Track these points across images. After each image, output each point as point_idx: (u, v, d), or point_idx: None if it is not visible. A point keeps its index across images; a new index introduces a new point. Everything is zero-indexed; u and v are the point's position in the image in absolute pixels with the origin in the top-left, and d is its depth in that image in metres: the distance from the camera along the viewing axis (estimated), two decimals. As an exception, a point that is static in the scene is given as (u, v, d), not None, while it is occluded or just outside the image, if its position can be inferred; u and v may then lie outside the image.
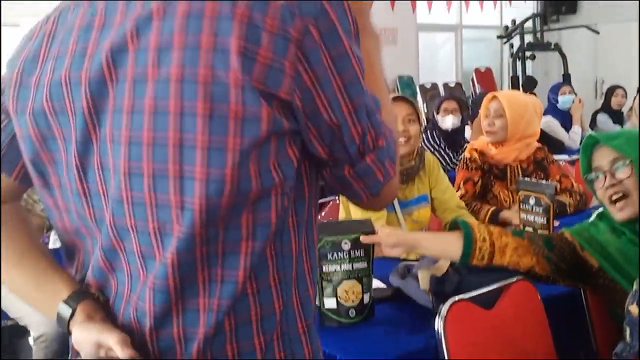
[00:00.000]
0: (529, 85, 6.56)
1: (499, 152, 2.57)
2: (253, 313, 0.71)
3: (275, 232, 0.71)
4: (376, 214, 2.00)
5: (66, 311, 0.74)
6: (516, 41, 7.21)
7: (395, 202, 2.14)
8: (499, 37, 7.72)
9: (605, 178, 1.44)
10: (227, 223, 0.67)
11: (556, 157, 2.93)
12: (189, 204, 0.66)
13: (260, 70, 0.64)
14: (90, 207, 0.73)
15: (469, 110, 4.71)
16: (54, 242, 2.18)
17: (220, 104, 0.64)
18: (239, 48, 0.63)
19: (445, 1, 8.23)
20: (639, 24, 7.40)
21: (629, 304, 1.20)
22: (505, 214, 2.46)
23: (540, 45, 7.13)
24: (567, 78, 6.70)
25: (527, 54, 7.10)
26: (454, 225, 1.51)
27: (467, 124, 4.03)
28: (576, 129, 4.60)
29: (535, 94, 6.40)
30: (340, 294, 1.39)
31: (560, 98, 4.67)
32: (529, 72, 7.29)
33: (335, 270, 1.37)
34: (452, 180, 2.64)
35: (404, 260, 1.74)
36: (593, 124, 5.34)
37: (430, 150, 3.73)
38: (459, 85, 8.40)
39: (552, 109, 4.69)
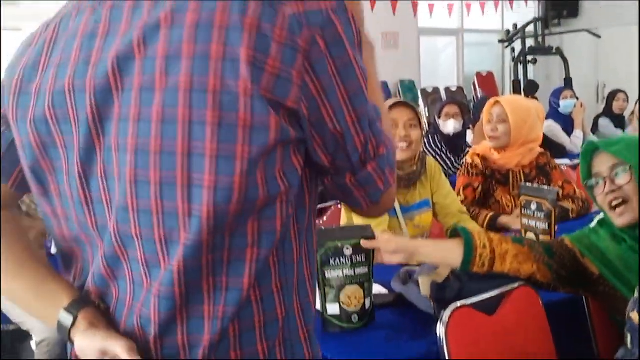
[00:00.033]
0: (531, 89, 6.57)
1: (502, 157, 2.57)
2: (257, 320, 0.72)
3: (279, 239, 0.71)
4: (378, 219, 2.01)
5: (67, 319, 0.74)
6: (518, 45, 7.22)
7: (397, 207, 2.15)
8: (501, 41, 7.74)
9: (605, 184, 1.44)
10: (234, 230, 0.68)
11: (558, 161, 2.93)
12: (197, 212, 0.66)
13: (268, 79, 0.65)
14: (92, 215, 0.73)
15: (470, 114, 4.71)
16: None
17: (230, 112, 0.64)
18: (248, 58, 0.64)
19: (447, 1, 8.24)
20: (639, 27, 7.42)
21: (630, 311, 1.20)
22: (503, 219, 2.46)
23: (541, 50, 7.14)
24: (568, 82, 6.70)
25: (529, 58, 7.11)
26: (454, 233, 1.51)
27: (469, 128, 4.03)
28: (578, 133, 4.60)
29: (536, 98, 6.41)
30: (343, 300, 1.39)
31: (561, 102, 4.67)
32: (530, 76, 7.29)
33: (337, 276, 1.38)
34: (454, 184, 2.64)
35: (406, 265, 1.74)
36: (595, 128, 5.34)
37: (432, 155, 3.73)
38: (460, 89, 8.42)
39: (553, 113, 4.69)
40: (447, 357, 1.34)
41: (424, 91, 7.93)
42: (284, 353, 0.74)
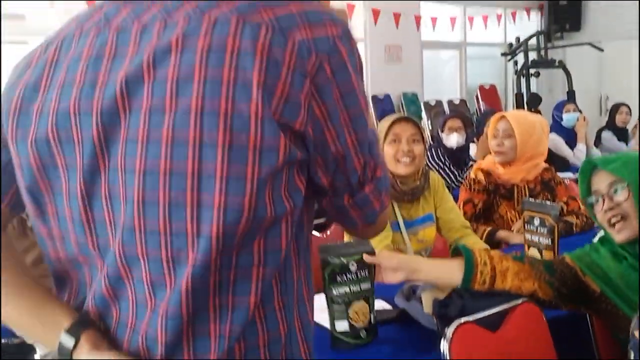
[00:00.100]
0: (534, 102, 6.58)
1: (507, 172, 2.57)
2: (261, 338, 0.73)
3: (284, 258, 0.72)
4: (381, 234, 2.01)
5: (69, 342, 0.73)
6: (520, 58, 7.24)
7: (401, 221, 2.15)
8: (503, 54, 7.76)
9: (604, 201, 1.46)
10: (241, 250, 0.69)
11: (561, 175, 2.93)
12: (206, 232, 0.67)
13: (278, 102, 0.67)
14: (93, 236, 0.73)
15: (473, 127, 4.73)
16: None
17: (240, 134, 0.66)
18: (259, 82, 0.66)
19: (449, 14, 8.28)
20: (639, 41, 7.44)
21: (634, 328, 1.20)
22: (501, 234, 2.47)
23: (544, 63, 7.16)
24: (571, 95, 6.71)
25: (532, 71, 7.12)
26: (455, 252, 1.52)
27: (473, 141, 4.04)
28: (581, 146, 4.61)
29: (539, 111, 6.42)
30: (351, 316, 1.39)
31: (564, 116, 4.68)
32: (533, 89, 7.30)
33: (345, 292, 1.38)
34: (457, 198, 2.65)
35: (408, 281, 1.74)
36: (598, 141, 5.35)
37: (435, 169, 3.73)
38: (463, 102, 8.44)
39: (556, 127, 4.70)
40: (450, 374, 1.33)
41: (426, 104, 7.95)
42: None
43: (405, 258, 1.61)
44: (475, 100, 8.60)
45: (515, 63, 7.42)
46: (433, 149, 3.84)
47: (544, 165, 2.65)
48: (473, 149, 4.03)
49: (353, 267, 1.38)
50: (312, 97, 0.68)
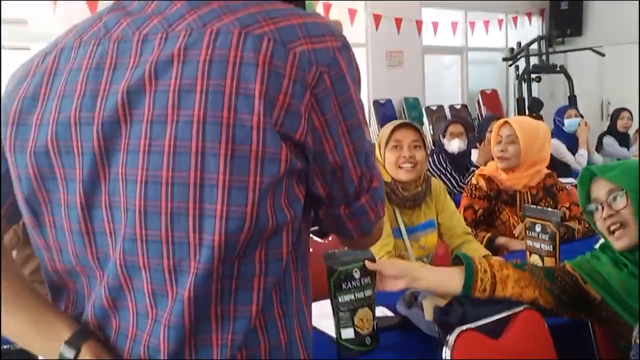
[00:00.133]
0: (535, 107, 6.58)
1: (510, 178, 2.57)
2: (262, 347, 0.73)
3: (284, 267, 0.73)
4: (383, 240, 2.01)
5: (69, 353, 0.73)
6: (522, 63, 7.25)
7: (402, 228, 2.15)
8: (505, 59, 7.78)
9: (603, 209, 1.46)
10: (242, 259, 0.69)
11: (562, 180, 2.93)
12: (208, 241, 0.68)
13: (279, 113, 0.68)
14: (92, 246, 0.73)
15: (474, 132, 4.73)
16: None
17: (242, 145, 0.67)
18: (261, 93, 0.67)
19: (451, 19, 8.30)
20: (638, 45, 7.44)
21: (636, 336, 1.20)
22: (501, 240, 2.47)
23: (545, 68, 7.17)
24: (573, 100, 6.72)
25: (533, 76, 7.14)
26: (456, 261, 1.52)
27: (475, 147, 4.04)
28: (582, 152, 4.61)
29: (541, 116, 6.42)
30: (357, 323, 1.39)
31: (566, 121, 4.68)
32: (534, 94, 7.31)
33: (350, 300, 1.38)
34: (459, 203, 2.65)
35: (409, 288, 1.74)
36: (599, 146, 5.35)
37: (437, 174, 3.74)
38: (464, 107, 8.44)
39: (558, 132, 4.70)
40: (452, 381, 1.33)
41: (428, 109, 7.96)
42: None
43: (406, 265, 1.61)
44: (477, 105, 8.61)
45: (517, 68, 7.44)
46: (435, 155, 3.84)
47: (546, 171, 2.65)
48: (474, 155, 4.03)
49: (357, 274, 1.38)
50: (312, 108, 0.69)
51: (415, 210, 2.21)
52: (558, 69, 7.03)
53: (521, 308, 1.48)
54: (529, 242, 1.92)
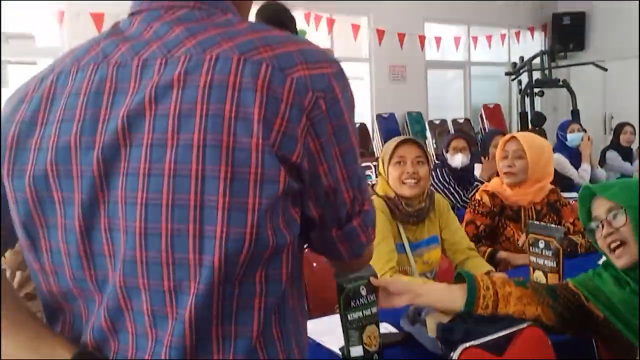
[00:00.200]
0: (538, 121, 6.59)
1: (515, 193, 2.56)
2: None
3: (284, 287, 0.74)
4: (386, 256, 2.02)
5: None
6: (524, 78, 7.27)
7: (406, 243, 2.16)
8: (507, 73, 7.80)
9: (603, 227, 1.47)
10: (243, 280, 0.70)
11: (566, 195, 2.93)
12: (208, 262, 0.68)
13: (276, 136, 0.69)
14: (91, 269, 0.74)
15: (477, 146, 4.74)
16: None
17: (242, 167, 0.68)
18: (260, 117, 0.68)
19: (454, 34, 8.34)
20: (638, 60, 7.46)
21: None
22: (502, 255, 2.47)
23: (548, 82, 7.18)
24: (575, 114, 6.72)
25: (536, 90, 7.14)
26: (458, 278, 1.53)
27: (479, 161, 4.04)
28: (585, 166, 4.61)
29: (544, 130, 6.44)
30: (365, 340, 1.39)
31: (569, 136, 4.69)
32: (537, 108, 7.32)
33: (358, 317, 1.38)
34: (462, 218, 2.65)
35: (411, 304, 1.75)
36: (602, 161, 5.35)
37: (440, 188, 3.74)
38: (467, 121, 8.47)
39: (561, 146, 4.71)
40: (456, 398, 1.33)
41: (431, 123, 7.98)
42: None
43: (408, 282, 1.62)
44: (480, 120, 8.63)
45: (520, 82, 7.45)
46: (438, 169, 3.84)
47: (550, 186, 2.65)
48: (477, 169, 4.03)
49: (363, 291, 1.39)
50: (308, 132, 0.71)
51: (419, 226, 2.21)
52: (561, 83, 7.04)
53: (525, 325, 1.48)
54: (533, 258, 1.93)
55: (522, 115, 7.01)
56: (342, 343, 1.49)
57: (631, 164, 5.26)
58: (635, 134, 5.43)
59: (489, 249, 2.49)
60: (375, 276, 1.43)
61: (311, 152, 0.72)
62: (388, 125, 7.55)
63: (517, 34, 9.08)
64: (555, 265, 1.86)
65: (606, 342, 1.52)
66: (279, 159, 0.69)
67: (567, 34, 8.98)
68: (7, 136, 0.77)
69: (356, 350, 1.40)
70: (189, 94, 0.69)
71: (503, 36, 8.98)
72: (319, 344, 1.59)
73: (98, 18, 5.36)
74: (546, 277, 1.87)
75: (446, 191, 3.74)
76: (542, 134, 6.15)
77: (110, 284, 0.73)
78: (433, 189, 2.48)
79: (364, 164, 6.24)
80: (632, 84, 7.81)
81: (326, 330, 1.64)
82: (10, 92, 0.83)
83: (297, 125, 0.70)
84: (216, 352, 0.71)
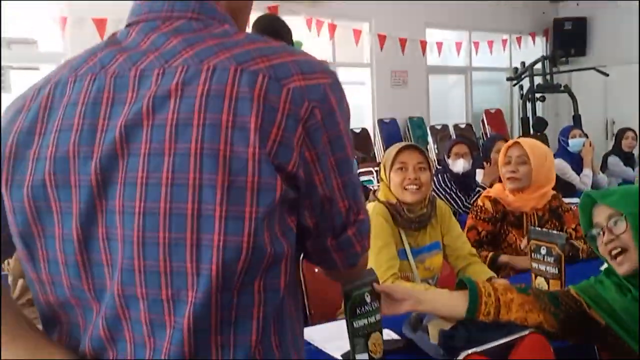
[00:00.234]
0: (540, 126, 6.60)
1: (518, 199, 2.56)
2: None
3: (282, 296, 0.74)
4: (388, 262, 2.02)
5: None
6: (526, 83, 7.28)
7: (408, 249, 2.16)
8: (509, 79, 7.81)
9: (604, 234, 1.47)
10: (241, 289, 0.71)
11: (567, 200, 2.93)
12: (206, 270, 0.69)
13: (272, 145, 0.70)
14: (88, 278, 0.74)
15: (479, 151, 4.73)
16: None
17: (239, 176, 0.68)
18: (256, 126, 0.69)
19: (455, 40, 8.35)
20: (639, 65, 7.46)
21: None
22: (504, 258, 2.47)
23: (550, 87, 7.19)
24: (577, 119, 6.73)
25: (537, 95, 7.15)
26: (460, 285, 1.53)
27: (480, 166, 4.04)
28: (587, 172, 4.61)
29: (545, 135, 6.44)
30: (371, 348, 1.39)
31: (570, 141, 4.69)
32: (539, 113, 7.32)
33: (364, 324, 1.38)
34: (464, 223, 2.65)
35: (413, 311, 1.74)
36: (604, 166, 5.35)
37: (442, 194, 3.74)
38: (469, 126, 8.47)
39: (562, 152, 4.71)
40: (458, 405, 1.33)
41: (433, 128, 7.99)
42: None
43: (410, 288, 1.62)
44: (481, 125, 8.64)
45: (521, 87, 7.47)
46: (439, 175, 3.84)
47: (552, 192, 2.65)
48: (479, 175, 4.04)
49: (368, 298, 1.39)
50: (304, 142, 0.72)
51: (421, 232, 2.21)
52: (562, 88, 7.05)
53: (527, 332, 1.48)
54: (534, 265, 1.93)
55: (524, 121, 7.02)
56: (344, 350, 1.49)
57: (633, 169, 5.25)
58: (636, 140, 5.42)
59: (491, 253, 2.49)
60: (377, 281, 1.43)
61: (307, 162, 0.72)
62: (389, 130, 7.55)
63: (519, 39, 9.10)
64: (557, 271, 1.85)
65: (608, 349, 1.52)
66: (275, 167, 0.70)
67: (569, 40, 9.00)
68: (5, 147, 0.78)
69: (362, 357, 1.39)
70: (187, 103, 0.70)
71: (504, 41, 9.00)
72: (320, 351, 1.60)
73: (101, 24, 5.38)
74: (548, 284, 1.86)
75: (448, 197, 3.74)
76: (544, 139, 6.16)
77: (108, 293, 0.73)
78: (435, 195, 2.48)
79: (365, 169, 6.26)
80: (634, 90, 7.81)
81: (328, 337, 1.64)
82: (13, 97, 0.83)
83: (293, 134, 0.71)
84: None
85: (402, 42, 7.66)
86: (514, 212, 2.57)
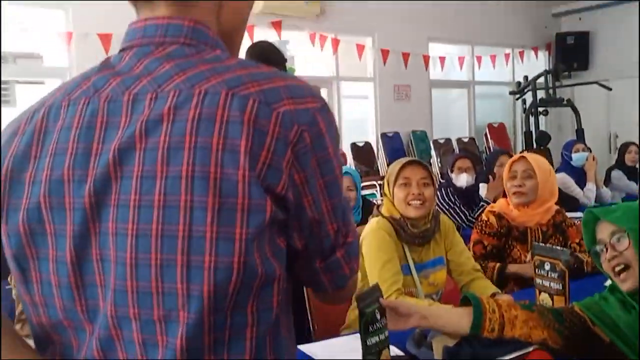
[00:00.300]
0: (543, 140, 6.60)
1: (522, 214, 2.56)
2: None
3: (276, 317, 0.75)
4: (391, 278, 2.02)
5: None
6: (529, 97, 7.29)
7: (411, 264, 2.16)
8: (512, 93, 7.83)
9: (607, 250, 1.47)
10: (234, 310, 0.71)
11: (571, 214, 2.93)
12: (197, 292, 0.70)
13: (262, 167, 0.71)
14: (82, 299, 0.75)
15: (482, 165, 4.73)
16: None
17: (229, 198, 0.69)
18: (246, 149, 0.70)
19: (458, 54, 8.38)
20: (638, 79, 7.48)
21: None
22: (512, 268, 2.47)
23: (552, 101, 7.20)
24: (580, 133, 6.73)
25: (540, 109, 7.16)
26: (464, 301, 1.53)
27: (484, 181, 4.05)
28: (590, 186, 4.61)
29: (549, 149, 6.44)
30: None
31: (574, 155, 4.69)
32: (542, 127, 7.33)
33: (376, 342, 1.38)
34: (468, 238, 2.65)
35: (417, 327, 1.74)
36: (608, 180, 5.34)
37: (445, 208, 3.74)
38: (472, 140, 8.48)
39: (566, 166, 4.71)
40: (463, 423, 1.33)
41: (436, 142, 8.00)
42: None
43: (414, 304, 1.62)
44: (484, 139, 8.65)
45: (524, 102, 7.48)
46: (443, 189, 3.84)
47: (556, 207, 2.66)
48: (483, 189, 4.04)
49: (377, 315, 1.39)
50: (293, 165, 0.73)
51: (424, 247, 2.21)
52: (565, 102, 7.06)
53: (531, 348, 1.48)
54: (538, 281, 1.92)
55: (527, 135, 7.02)
56: (348, 366, 1.48)
57: (636, 183, 5.25)
58: (639, 154, 5.42)
59: (498, 264, 2.49)
60: (381, 296, 1.43)
61: (296, 184, 0.73)
62: (393, 144, 7.57)
63: (521, 54, 9.14)
64: (561, 287, 1.85)
65: (613, 367, 1.52)
66: (264, 189, 0.71)
67: (571, 54, 9.03)
68: (1, 170, 0.79)
69: None
70: (178, 127, 0.71)
71: (507, 56, 9.03)
72: (324, 367, 1.59)
73: (106, 38, 5.42)
74: (552, 300, 1.86)
75: (451, 211, 3.74)
76: (547, 153, 6.16)
77: (101, 314, 0.74)
78: (439, 210, 2.48)
79: (368, 183, 6.26)
80: (637, 103, 7.82)
81: (332, 353, 1.64)
82: (19, 111, 0.84)
83: (282, 157, 0.72)
84: None
85: (405, 56, 7.70)
86: (519, 227, 2.57)
